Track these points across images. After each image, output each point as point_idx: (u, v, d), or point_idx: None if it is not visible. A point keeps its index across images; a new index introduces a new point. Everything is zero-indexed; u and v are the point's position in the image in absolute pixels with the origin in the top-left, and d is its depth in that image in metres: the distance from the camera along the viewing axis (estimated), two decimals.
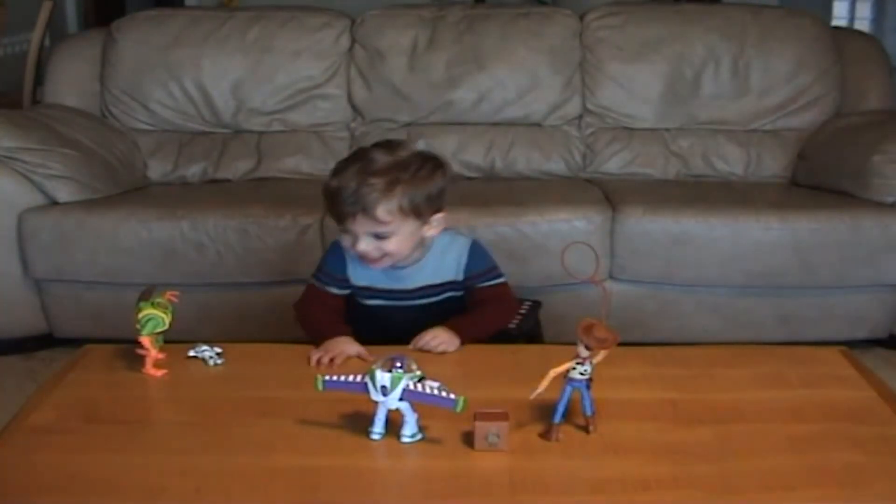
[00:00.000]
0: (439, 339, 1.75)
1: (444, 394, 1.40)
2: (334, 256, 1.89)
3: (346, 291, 1.89)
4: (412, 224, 1.76)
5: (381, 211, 1.71)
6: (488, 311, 1.86)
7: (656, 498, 1.30)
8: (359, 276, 1.87)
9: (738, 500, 1.31)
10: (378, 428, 1.43)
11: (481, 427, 1.38)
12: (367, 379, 1.42)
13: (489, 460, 1.37)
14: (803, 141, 3.17)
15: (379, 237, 1.75)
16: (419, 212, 1.75)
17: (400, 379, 1.40)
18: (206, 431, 1.47)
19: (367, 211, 1.71)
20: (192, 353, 1.72)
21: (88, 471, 1.36)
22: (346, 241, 1.80)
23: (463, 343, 1.76)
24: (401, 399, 1.40)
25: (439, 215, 1.80)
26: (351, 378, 1.45)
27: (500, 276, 1.91)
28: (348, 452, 1.41)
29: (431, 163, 1.80)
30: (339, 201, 1.73)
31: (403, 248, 1.78)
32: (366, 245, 1.75)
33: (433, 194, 1.77)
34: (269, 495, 1.30)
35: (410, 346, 1.68)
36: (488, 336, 1.83)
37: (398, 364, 1.42)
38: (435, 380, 1.47)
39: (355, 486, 1.32)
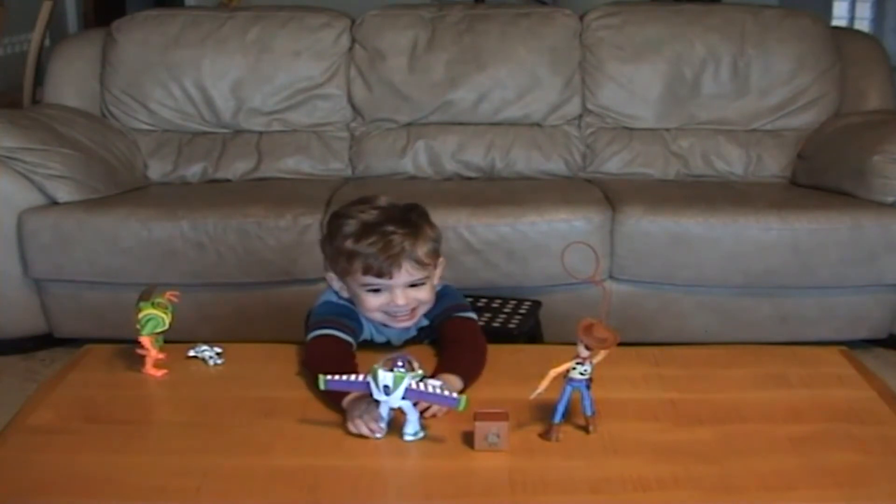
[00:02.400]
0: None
1: (446, 392, 1.40)
2: (340, 309, 1.75)
3: (354, 344, 1.74)
4: (434, 269, 1.73)
5: (422, 253, 1.67)
6: (473, 348, 1.71)
7: (656, 498, 1.30)
8: (364, 333, 1.79)
9: (738, 500, 1.31)
10: (380, 426, 1.43)
11: (481, 427, 1.38)
12: (370, 378, 1.42)
13: (489, 460, 1.37)
14: (803, 141, 3.17)
15: (415, 286, 1.69)
16: (438, 254, 1.73)
17: (402, 378, 1.40)
18: (206, 431, 1.47)
19: (411, 256, 1.66)
20: (191, 353, 1.72)
21: (88, 471, 1.36)
22: (374, 301, 1.69)
23: (469, 383, 1.61)
24: (403, 398, 1.40)
25: (441, 259, 1.76)
26: (353, 377, 1.45)
27: (469, 310, 1.81)
28: (348, 452, 1.41)
29: (417, 208, 1.75)
30: (373, 256, 1.64)
31: (431, 296, 1.74)
32: (405, 297, 1.68)
33: (440, 236, 1.75)
34: (269, 495, 1.30)
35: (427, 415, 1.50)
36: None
37: (400, 363, 1.42)
38: (437, 378, 1.49)
39: (355, 486, 1.32)
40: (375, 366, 1.42)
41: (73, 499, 1.31)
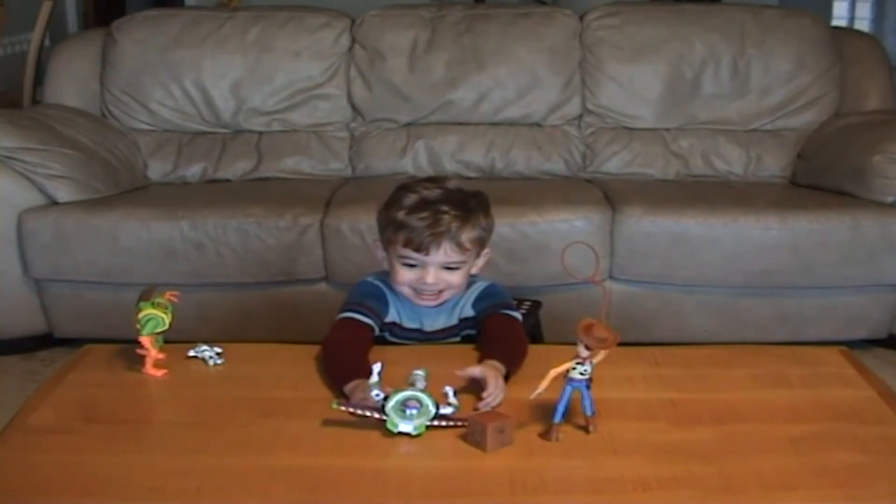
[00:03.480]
0: (501, 395, 1.53)
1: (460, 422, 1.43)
2: (369, 289, 1.81)
3: (377, 326, 1.79)
4: (475, 256, 1.76)
5: (465, 238, 1.71)
6: (515, 342, 1.72)
7: (656, 498, 1.30)
8: (391, 312, 1.82)
9: (738, 500, 1.31)
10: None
11: (493, 428, 1.38)
12: (389, 427, 1.42)
13: (489, 460, 1.37)
14: (803, 141, 3.17)
15: (449, 268, 1.73)
16: (483, 244, 1.76)
17: (422, 429, 1.42)
18: (206, 431, 1.47)
19: (454, 238, 1.69)
20: (191, 353, 1.72)
21: (88, 471, 1.36)
22: (407, 275, 1.73)
23: (512, 371, 1.61)
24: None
25: (486, 251, 1.80)
26: (368, 414, 1.44)
27: (516, 310, 1.83)
28: (348, 452, 1.41)
29: (480, 196, 1.79)
30: (418, 230, 1.68)
31: (465, 281, 1.77)
32: (436, 276, 1.72)
33: (490, 227, 1.78)
34: (269, 495, 1.30)
35: (479, 405, 1.51)
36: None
37: (413, 407, 1.42)
38: (447, 403, 1.45)
39: (355, 486, 1.32)
40: (388, 409, 1.42)
41: (73, 499, 1.31)
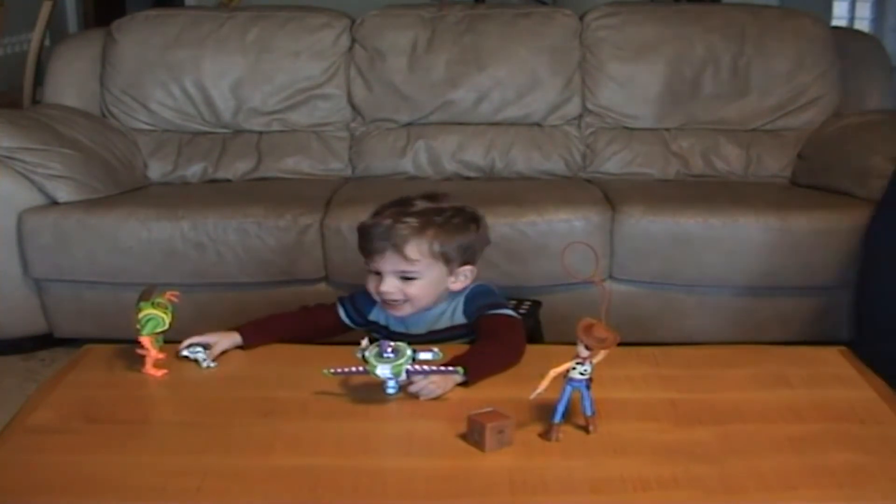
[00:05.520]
0: (434, 384, 1.57)
1: (442, 367, 1.55)
2: (367, 294, 1.86)
3: (349, 321, 1.91)
4: (439, 270, 1.77)
5: (411, 249, 1.74)
6: (493, 344, 1.73)
7: (656, 498, 1.30)
8: (377, 314, 1.89)
9: (738, 500, 1.31)
10: (391, 384, 1.56)
11: (492, 428, 1.38)
12: (369, 370, 1.53)
13: (489, 460, 1.37)
14: (803, 141, 3.17)
15: (405, 278, 1.76)
16: (448, 258, 1.77)
17: (400, 368, 1.52)
18: (206, 431, 1.48)
19: (397, 247, 1.73)
20: (185, 353, 1.72)
21: (88, 471, 1.36)
22: (371, 283, 1.80)
23: (472, 379, 1.60)
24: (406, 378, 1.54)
25: (467, 268, 1.81)
26: (353, 368, 1.56)
27: (506, 308, 1.84)
28: (348, 452, 1.41)
29: (467, 215, 1.82)
30: (370, 237, 1.76)
31: (426, 294, 1.79)
32: (390, 285, 1.76)
33: (463, 244, 1.79)
34: (269, 495, 1.30)
35: (409, 389, 1.57)
36: (499, 372, 1.67)
37: (389, 350, 1.52)
38: (427, 349, 1.57)
39: (355, 486, 1.32)
40: (368, 359, 1.53)
41: (73, 499, 1.31)
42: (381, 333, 1.85)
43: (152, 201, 2.88)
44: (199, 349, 1.72)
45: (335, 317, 1.90)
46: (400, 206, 1.80)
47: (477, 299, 1.83)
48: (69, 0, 5.39)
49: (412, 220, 1.75)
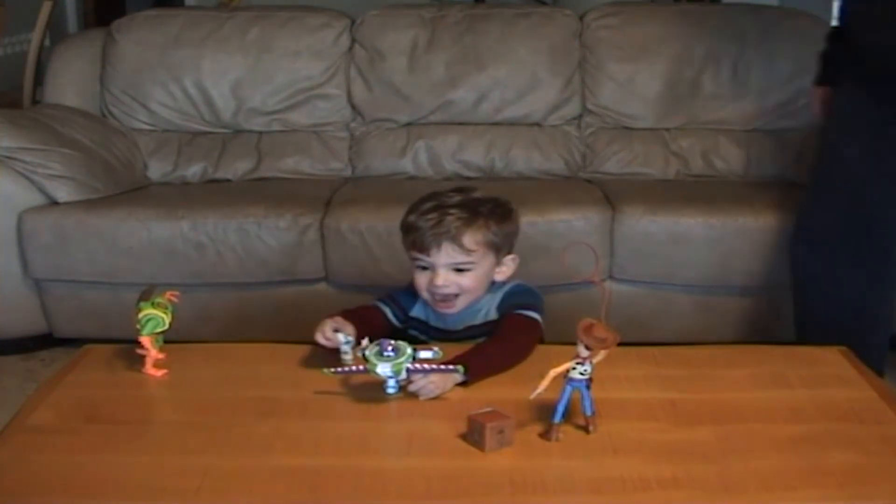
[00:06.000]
0: (433, 384, 1.56)
1: (442, 366, 1.55)
2: (406, 290, 1.86)
3: (395, 320, 1.88)
4: (490, 260, 1.78)
5: (468, 239, 1.73)
6: (499, 343, 1.73)
7: (656, 498, 1.30)
8: (418, 310, 1.88)
9: (738, 500, 1.31)
10: (392, 384, 1.56)
11: (492, 428, 1.38)
12: (368, 370, 1.54)
13: (489, 460, 1.37)
14: (803, 141, 3.17)
15: (459, 270, 1.75)
16: (498, 247, 1.78)
17: (401, 367, 1.52)
18: (206, 431, 1.47)
19: (455, 239, 1.73)
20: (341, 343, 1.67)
21: (88, 471, 1.36)
22: (421, 279, 1.78)
23: (471, 378, 1.59)
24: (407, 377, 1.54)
25: (510, 257, 1.82)
26: (353, 368, 1.58)
27: (535, 311, 1.80)
28: (348, 452, 1.41)
29: (503, 203, 1.83)
30: (422, 231, 1.74)
31: (479, 285, 1.79)
32: (445, 278, 1.75)
33: (509, 232, 1.80)
34: (269, 495, 1.30)
35: (408, 388, 1.57)
36: (501, 371, 1.66)
37: (389, 349, 1.53)
38: (427, 348, 1.58)
39: (355, 486, 1.32)
40: (367, 356, 1.54)
41: (73, 499, 1.31)
42: (419, 330, 1.87)
43: (152, 201, 2.89)
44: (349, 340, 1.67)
45: (383, 316, 1.88)
46: (438, 200, 1.78)
47: (514, 297, 1.83)
48: (69, 0, 5.39)
49: (459, 212, 1.74)
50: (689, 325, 2.77)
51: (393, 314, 1.88)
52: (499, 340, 1.73)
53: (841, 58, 2.34)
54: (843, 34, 2.36)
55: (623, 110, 3.22)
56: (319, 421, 1.50)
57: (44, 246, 2.72)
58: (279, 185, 3.08)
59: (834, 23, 2.46)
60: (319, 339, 1.68)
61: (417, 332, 1.87)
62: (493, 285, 1.84)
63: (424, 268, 1.77)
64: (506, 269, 1.82)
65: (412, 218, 1.78)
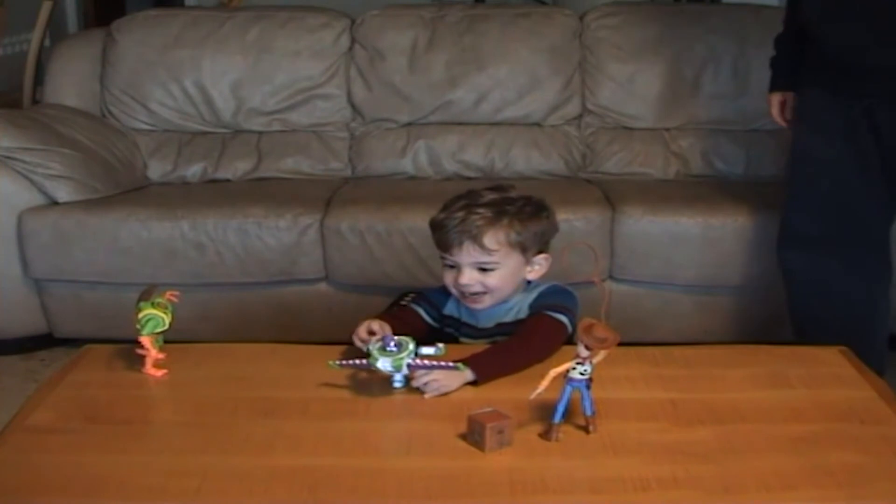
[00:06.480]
0: (439, 382, 1.57)
1: (443, 362, 1.56)
2: (439, 289, 1.88)
3: (431, 319, 1.89)
4: (516, 259, 1.78)
5: (489, 239, 1.74)
6: (514, 343, 1.72)
7: (656, 498, 1.30)
8: (451, 307, 1.89)
9: (738, 500, 1.31)
10: (398, 378, 1.57)
11: (492, 428, 1.38)
12: (371, 364, 1.55)
13: (489, 460, 1.37)
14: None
15: (483, 269, 1.76)
16: (524, 247, 1.78)
17: (401, 362, 1.53)
18: (206, 431, 1.48)
19: (475, 239, 1.74)
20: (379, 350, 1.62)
21: (88, 471, 1.36)
22: (448, 277, 1.79)
23: (480, 379, 1.60)
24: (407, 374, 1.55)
25: (542, 256, 1.82)
26: (358, 361, 1.58)
27: (564, 314, 1.76)
28: (348, 452, 1.41)
29: (537, 203, 1.84)
30: (446, 230, 1.76)
31: (506, 284, 1.78)
32: (469, 277, 1.76)
33: (538, 232, 1.80)
34: (269, 495, 1.30)
35: (413, 383, 1.58)
36: (514, 371, 1.65)
37: (392, 345, 1.54)
38: (430, 345, 1.60)
39: (355, 486, 1.32)
40: (370, 350, 1.55)
41: (73, 499, 1.31)
42: (453, 327, 1.88)
43: (152, 201, 2.89)
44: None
45: (419, 316, 1.88)
46: (469, 199, 1.79)
47: (546, 298, 1.81)
48: (69, 0, 5.39)
49: (485, 211, 1.75)
50: (689, 325, 2.77)
51: (427, 314, 1.89)
52: (515, 340, 1.73)
53: (798, 61, 2.34)
54: (793, 38, 2.36)
55: (623, 110, 3.22)
56: (319, 421, 1.50)
57: (44, 246, 2.72)
58: (279, 185, 3.08)
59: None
60: (355, 340, 1.70)
61: (452, 330, 1.88)
62: (528, 284, 1.84)
63: (451, 266, 1.79)
64: (538, 268, 1.82)
65: (441, 216, 1.79)
